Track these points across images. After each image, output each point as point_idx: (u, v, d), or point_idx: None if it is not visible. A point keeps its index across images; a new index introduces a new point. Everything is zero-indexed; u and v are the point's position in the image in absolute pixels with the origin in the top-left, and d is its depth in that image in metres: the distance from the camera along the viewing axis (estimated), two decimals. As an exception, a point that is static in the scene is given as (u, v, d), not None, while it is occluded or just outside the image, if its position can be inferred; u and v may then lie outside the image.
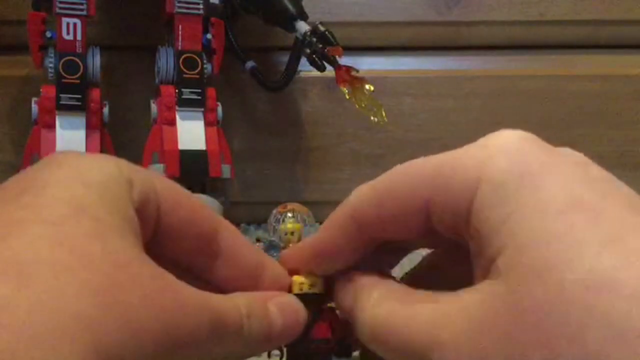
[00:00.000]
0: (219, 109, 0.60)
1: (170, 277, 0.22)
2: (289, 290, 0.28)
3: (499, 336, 0.19)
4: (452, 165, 0.23)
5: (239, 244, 0.27)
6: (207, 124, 0.59)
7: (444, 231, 0.24)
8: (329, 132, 0.72)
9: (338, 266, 0.27)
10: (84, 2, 0.57)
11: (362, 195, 0.25)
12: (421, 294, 0.23)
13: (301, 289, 0.28)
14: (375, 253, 0.27)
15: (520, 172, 0.21)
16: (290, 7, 0.60)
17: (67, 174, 0.22)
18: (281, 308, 0.26)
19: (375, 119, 0.57)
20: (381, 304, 0.24)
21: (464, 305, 0.21)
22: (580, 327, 0.17)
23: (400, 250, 0.29)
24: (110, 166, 0.23)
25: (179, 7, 0.59)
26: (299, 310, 0.27)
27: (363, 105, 0.56)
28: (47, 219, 0.20)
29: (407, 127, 0.72)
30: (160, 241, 0.25)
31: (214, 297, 0.23)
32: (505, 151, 0.22)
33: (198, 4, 0.59)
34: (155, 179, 0.24)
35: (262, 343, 0.25)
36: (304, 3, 0.61)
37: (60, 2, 0.56)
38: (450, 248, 0.25)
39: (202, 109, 0.59)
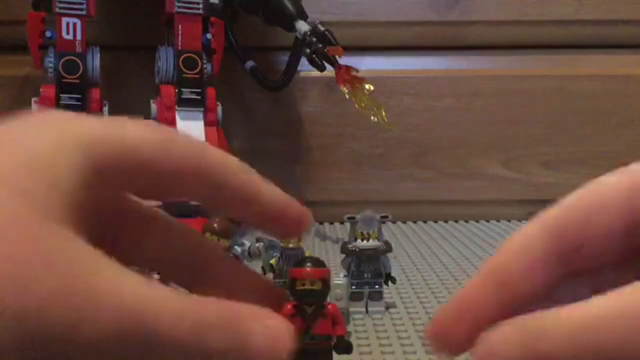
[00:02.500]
0: (219, 109, 0.60)
1: (88, 263, 0.19)
2: (291, 288, 0.28)
3: None
4: None
5: (232, 175, 0.25)
6: (207, 123, 0.59)
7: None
8: (329, 132, 0.72)
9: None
10: (84, 2, 0.57)
11: (563, 207, 0.21)
12: None
13: (303, 285, 0.28)
14: None
15: None
16: (290, 7, 0.60)
17: (18, 136, 0.20)
18: (266, 333, 0.22)
19: (375, 119, 0.57)
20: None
21: None
22: None
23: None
24: (66, 133, 0.21)
25: (179, 7, 0.59)
26: (286, 341, 0.23)
27: (363, 105, 0.56)
28: None
29: (407, 127, 0.72)
30: (151, 187, 0.23)
31: (153, 300, 0.20)
32: None
33: (198, 3, 0.59)
34: (131, 133, 0.22)
35: None
36: (304, 3, 0.61)
37: (60, 2, 0.56)
38: None
39: (202, 109, 0.59)
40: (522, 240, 0.21)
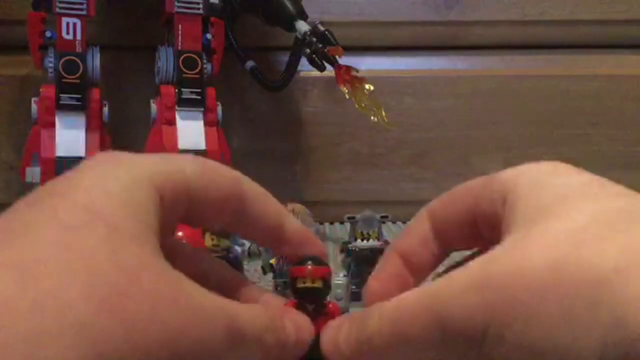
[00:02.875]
0: (219, 109, 0.60)
1: (185, 284, 0.21)
2: (292, 286, 0.29)
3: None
4: (492, 177, 0.26)
5: (262, 204, 0.28)
6: (207, 123, 0.59)
7: (486, 231, 0.26)
8: (329, 132, 0.72)
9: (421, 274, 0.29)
10: (84, 2, 0.57)
11: (435, 202, 0.28)
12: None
13: (304, 283, 0.28)
14: None
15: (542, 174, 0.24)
16: (290, 7, 0.60)
17: (93, 179, 0.22)
18: (295, 325, 0.26)
19: (375, 119, 0.57)
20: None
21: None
22: None
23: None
24: (136, 170, 0.23)
25: (179, 7, 0.59)
26: (309, 329, 0.27)
27: (363, 105, 0.56)
28: (61, 223, 0.20)
29: (407, 127, 0.72)
30: (194, 215, 0.26)
31: (234, 305, 0.23)
32: (532, 165, 0.25)
33: (198, 3, 0.59)
34: (186, 167, 0.25)
35: (276, 356, 0.25)
36: (304, 3, 0.61)
37: (60, 2, 0.56)
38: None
39: (202, 109, 0.59)
40: (415, 222, 0.29)
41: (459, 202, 0.27)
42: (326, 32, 0.58)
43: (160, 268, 0.21)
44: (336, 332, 0.26)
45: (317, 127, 0.72)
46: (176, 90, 0.59)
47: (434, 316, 0.22)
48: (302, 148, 0.72)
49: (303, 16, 0.60)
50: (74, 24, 0.57)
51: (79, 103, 0.57)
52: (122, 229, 0.21)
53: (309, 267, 0.28)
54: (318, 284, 0.28)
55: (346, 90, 0.56)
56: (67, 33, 0.57)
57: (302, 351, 0.27)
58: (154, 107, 0.59)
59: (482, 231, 0.26)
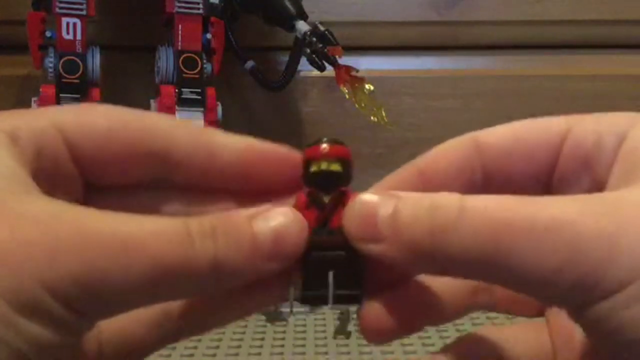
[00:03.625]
0: (219, 108, 0.60)
1: (64, 208, 0.19)
2: (305, 172, 0.24)
3: None
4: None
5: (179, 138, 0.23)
6: (207, 123, 0.59)
7: (568, 171, 0.24)
8: (329, 132, 0.72)
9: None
10: (84, 2, 0.57)
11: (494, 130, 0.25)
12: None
13: (319, 167, 0.23)
14: None
15: None
16: (290, 7, 0.60)
17: None
18: (272, 226, 0.21)
19: (375, 119, 0.57)
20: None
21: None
22: None
23: None
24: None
25: (179, 7, 0.59)
26: (296, 236, 0.21)
27: (363, 105, 0.56)
28: None
29: (407, 127, 0.72)
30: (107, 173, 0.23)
31: (134, 220, 0.19)
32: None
33: (198, 3, 0.59)
34: (56, 116, 0.22)
35: (235, 271, 0.20)
36: (304, 3, 0.61)
37: (60, 2, 0.56)
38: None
39: (202, 109, 0.59)
40: (454, 145, 0.25)
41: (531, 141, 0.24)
42: (326, 32, 0.58)
43: (34, 197, 0.19)
44: (375, 207, 0.21)
45: (317, 127, 0.72)
46: (176, 90, 0.59)
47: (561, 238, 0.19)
48: (302, 148, 0.72)
49: (303, 16, 0.60)
50: (74, 24, 0.57)
51: (79, 103, 0.57)
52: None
53: (325, 145, 0.24)
54: (336, 167, 0.23)
55: (346, 90, 0.56)
56: (67, 33, 0.57)
57: (287, 259, 0.21)
58: (154, 106, 0.59)
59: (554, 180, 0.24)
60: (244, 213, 0.21)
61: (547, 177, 0.24)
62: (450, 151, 0.25)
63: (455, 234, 0.20)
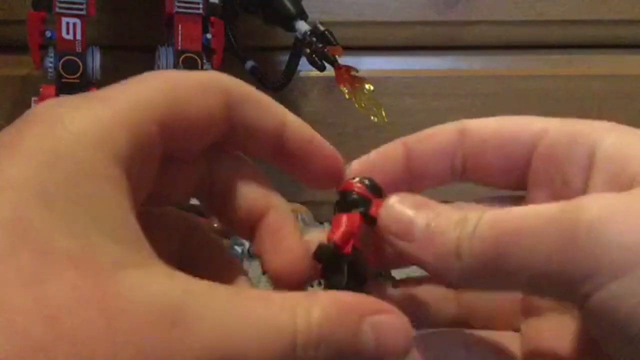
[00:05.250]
0: (219, 108, 0.60)
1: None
2: (344, 190, 0.27)
3: None
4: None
5: (255, 110, 0.25)
6: (207, 123, 0.59)
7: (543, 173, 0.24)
8: (329, 132, 0.72)
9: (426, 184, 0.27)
10: (84, 2, 0.57)
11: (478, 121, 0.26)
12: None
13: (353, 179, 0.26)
14: None
15: None
16: (290, 7, 0.60)
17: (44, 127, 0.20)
18: (378, 329, 0.19)
19: (375, 119, 0.57)
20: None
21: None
22: None
23: None
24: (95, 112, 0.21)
25: (179, 7, 0.59)
26: (401, 339, 0.20)
27: (363, 105, 0.56)
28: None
29: (407, 127, 0.72)
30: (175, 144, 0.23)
31: (238, 324, 0.18)
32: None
33: (198, 3, 0.59)
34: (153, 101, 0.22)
35: None
36: (303, 3, 0.61)
37: (60, 2, 0.56)
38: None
39: (202, 109, 0.59)
40: (441, 130, 0.27)
41: (511, 139, 0.25)
42: (326, 32, 0.58)
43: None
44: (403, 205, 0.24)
45: (317, 127, 0.71)
46: (176, 90, 0.59)
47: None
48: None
49: (303, 16, 0.60)
50: (74, 24, 0.57)
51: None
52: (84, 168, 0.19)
53: (358, 181, 0.27)
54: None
55: (346, 90, 0.56)
56: (67, 33, 0.57)
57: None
58: (154, 107, 0.59)
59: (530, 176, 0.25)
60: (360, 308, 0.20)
61: (521, 172, 0.25)
62: (438, 134, 0.27)
63: (467, 243, 0.21)
